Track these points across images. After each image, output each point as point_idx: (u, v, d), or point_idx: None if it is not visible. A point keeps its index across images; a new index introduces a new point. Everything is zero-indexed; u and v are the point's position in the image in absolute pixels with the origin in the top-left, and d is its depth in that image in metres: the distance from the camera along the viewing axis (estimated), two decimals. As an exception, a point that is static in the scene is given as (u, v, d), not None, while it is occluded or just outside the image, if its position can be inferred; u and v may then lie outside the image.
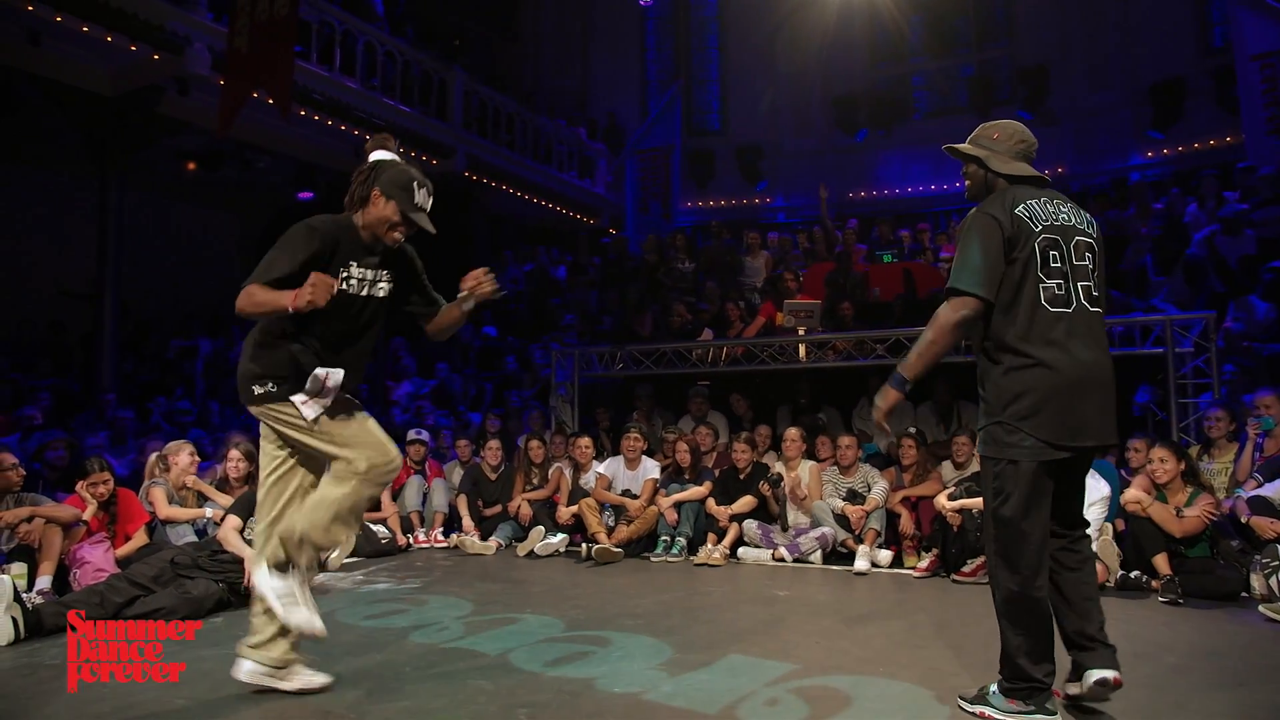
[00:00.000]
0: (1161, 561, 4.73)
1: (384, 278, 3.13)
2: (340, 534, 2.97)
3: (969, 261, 2.72)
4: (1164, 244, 8.71)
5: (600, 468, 6.89)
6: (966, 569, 5.27)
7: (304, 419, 2.96)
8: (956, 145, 2.97)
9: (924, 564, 5.56)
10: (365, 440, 3.01)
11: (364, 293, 3.07)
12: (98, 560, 4.76)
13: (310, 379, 2.95)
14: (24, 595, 4.11)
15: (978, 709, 2.81)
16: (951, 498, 5.56)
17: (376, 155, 3.12)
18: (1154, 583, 4.75)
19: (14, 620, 3.85)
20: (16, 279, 10.99)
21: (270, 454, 3.12)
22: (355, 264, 3.04)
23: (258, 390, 2.99)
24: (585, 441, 7.09)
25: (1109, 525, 5.20)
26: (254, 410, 3.05)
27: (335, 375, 2.98)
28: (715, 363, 7.88)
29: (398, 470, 3.11)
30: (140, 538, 5.25)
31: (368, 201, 3.04)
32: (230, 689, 3.13)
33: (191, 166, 11.50)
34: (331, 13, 10.77)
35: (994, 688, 2.81)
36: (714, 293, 9.73)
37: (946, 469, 6.27)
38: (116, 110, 9.36)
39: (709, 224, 13.41)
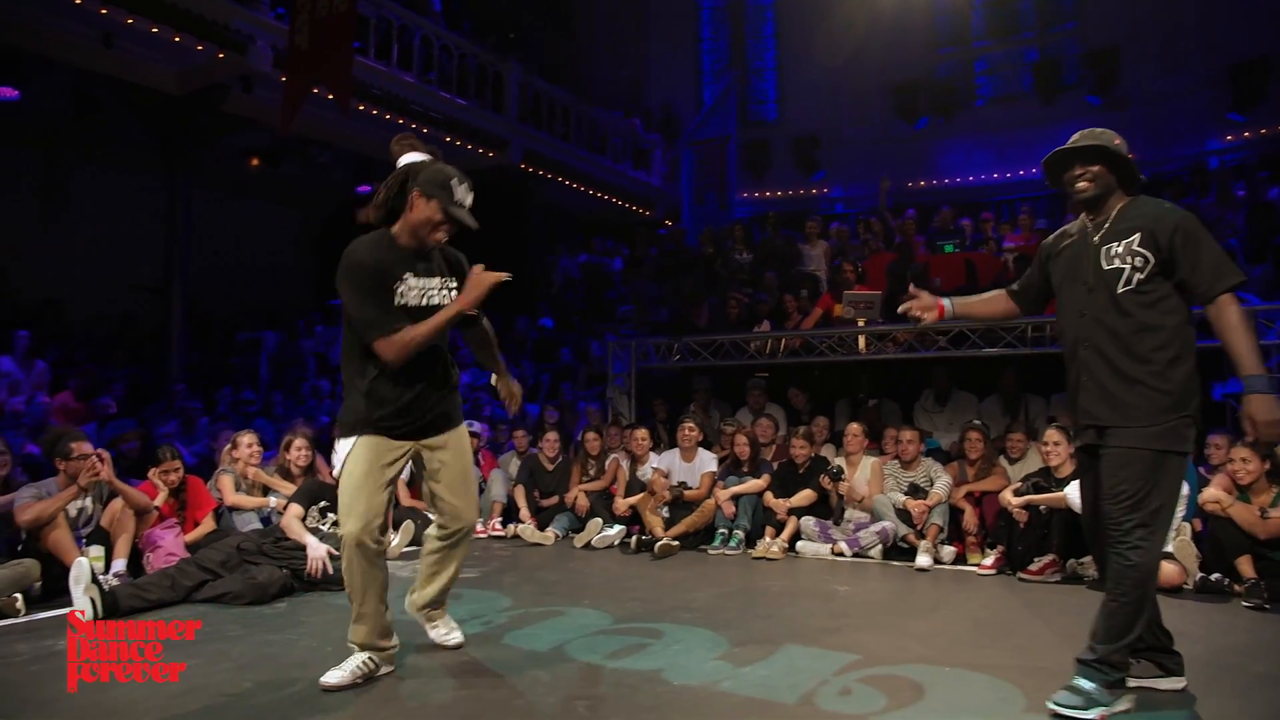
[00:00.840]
0: (1245, 564, 4.51)
1: (446, 285, 3.09)
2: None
3: (1223, 254, 2.77)
4: (1253, 229, 8.33)
5: (656, 461, 6.85)
6: (1033, 567, 5.11)
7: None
8: (1106, 145, 2.90)
9: (989, 561, 5.40)
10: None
11: (424, 303, 3.02)
12: (169, 544, 4.89)
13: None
14: (101, 577, 4.23)
15: (1095, 713, 2.71)
16: (1017, 493, 5.40)
17: (406, 159, 3.07)
18: (1236, 586, 4.54)
19: (92, 601, 3.96)
20: (92, 274, 11.35)
21: None
22: (410, 275, 3.00)
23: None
24: (642, 433, 7.06)
25: (1186, 525, 4.99)
26: None
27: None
28: (774, 354, 7.79)
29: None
30: (208, 524, 5.39)
31: (408, 206, 2.97)
32: (294, 675, 3.19)
33: (255, 162, 11.75)
34: (389, 8, 10.90)
35: (1090, 685, 2.74)
36: (772, 284, 9.61)
37: (1003, 462, 6.10)
38: (184, 109, 9.60)
39: (766, 215, 13.25)
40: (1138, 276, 2.78)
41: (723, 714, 2.83)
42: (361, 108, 10.34)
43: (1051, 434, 5.39)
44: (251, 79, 9.45)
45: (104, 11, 8.20)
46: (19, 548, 4.69)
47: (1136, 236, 2.79)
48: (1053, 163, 2.99)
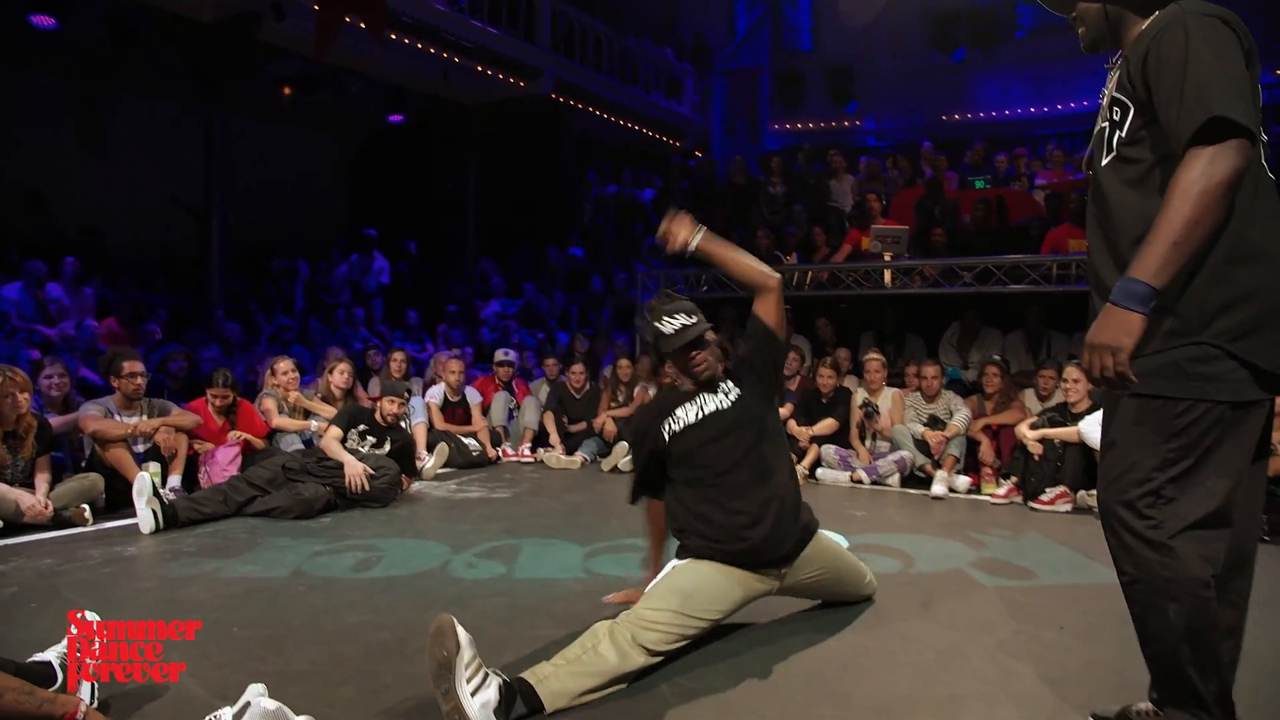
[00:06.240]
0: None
1: (725, 390, 2.89)
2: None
3: (1231, 77, 1.64)
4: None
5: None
6: (1045, 497, 5.27)
7: None
8: None
9: (1002, 491, 5.58)
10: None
11: (696, 419, 2.83)
12: (223, 462, 5.21)
13: None
14: (160, 491, 4.53)
15: None
16: (1034, 427, 5.54)
17: None
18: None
19: (153, 512, 4.29)
20: (133, 202, 11.57)
21: None
22: (679, 408, 2.88)
23: None
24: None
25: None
26: None
27: None
28: (800, 287, 7.88)
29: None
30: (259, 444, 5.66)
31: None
32: (346, 579, 3.44)
33: (287, 91, 11.81)
34: (421, -65, 10.77)
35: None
36: (801, 217, 9.64)
37: (1029, 398, 6.22)
38: (218, 37, 9.64)
39: (799, 147, 13.14)
40: (1118, 136, 1.86)
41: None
42: (394, 36, 10.33)
43: (1071, 371, 5.49)
44: (283, 7, 9.45)
45: (138, -61, 8.26)
46: (83, 464, 5.02)
47: (1119, 73, 1.88)
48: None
